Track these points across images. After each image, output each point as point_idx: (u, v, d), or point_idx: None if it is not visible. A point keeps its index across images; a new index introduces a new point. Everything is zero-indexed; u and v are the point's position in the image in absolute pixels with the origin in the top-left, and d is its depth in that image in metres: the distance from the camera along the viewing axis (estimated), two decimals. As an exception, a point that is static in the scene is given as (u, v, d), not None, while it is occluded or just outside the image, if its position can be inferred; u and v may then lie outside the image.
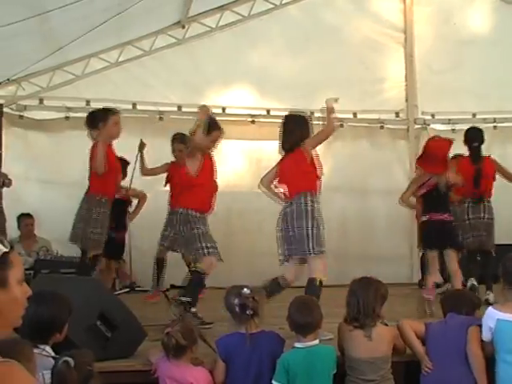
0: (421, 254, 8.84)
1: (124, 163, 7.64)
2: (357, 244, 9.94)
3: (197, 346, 4.41)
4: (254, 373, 4.37)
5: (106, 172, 6.56)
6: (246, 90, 9.79)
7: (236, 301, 4.42)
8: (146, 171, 8.17)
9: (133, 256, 8.70)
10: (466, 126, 8.36)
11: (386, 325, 4.60)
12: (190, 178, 6.53)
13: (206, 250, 6.26)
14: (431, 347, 4.61)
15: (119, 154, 8.10)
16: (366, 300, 4.51)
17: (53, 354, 3.65)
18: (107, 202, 6.72)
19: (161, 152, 9.29)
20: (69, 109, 9.35)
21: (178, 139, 7.59)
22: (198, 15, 9.52)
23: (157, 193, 9.09)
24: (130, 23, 8.62)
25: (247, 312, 4.38)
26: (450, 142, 7.02)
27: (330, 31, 9.82)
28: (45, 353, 3.62)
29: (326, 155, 10.00)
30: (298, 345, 4.37)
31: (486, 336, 4.49)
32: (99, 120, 6.60)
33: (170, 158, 7.90)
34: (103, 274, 7.56)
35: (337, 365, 4.43)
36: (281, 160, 6.15)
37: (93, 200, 6.61)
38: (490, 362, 4.51)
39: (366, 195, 10.11)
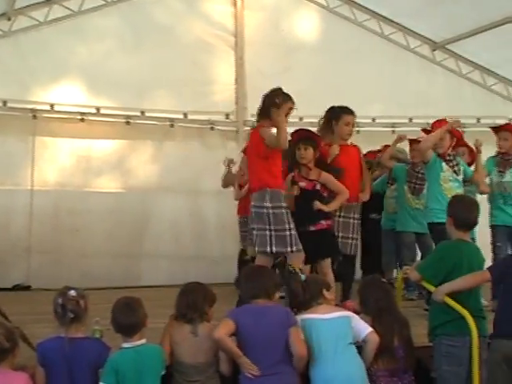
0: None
1: None
2: (188, 245, 9.98)
3: (19, 348, 4.26)
4: (72, 379, 4.22)
5: None
6: (75, 87, 9.50)
7: (59, 300, 4.28)
8: None
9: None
10: (293, 129, 8.59)
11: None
12: None
13: None
14: (245, 343, 4.52)
15: None
16: (195, 299, 4.61)
17: None
18: None
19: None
20: None
21: None
22: (25, 8, 9.21)
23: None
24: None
25: (67, 314, 4.24)
26: None
27: (162, 30, 9.82)
28: None
29: (157, 156, 10.04)
30: (125, 345, 4.31)
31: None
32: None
33: None
34: None
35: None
36: None
37: None
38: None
39: (197, 196, 10.18)
